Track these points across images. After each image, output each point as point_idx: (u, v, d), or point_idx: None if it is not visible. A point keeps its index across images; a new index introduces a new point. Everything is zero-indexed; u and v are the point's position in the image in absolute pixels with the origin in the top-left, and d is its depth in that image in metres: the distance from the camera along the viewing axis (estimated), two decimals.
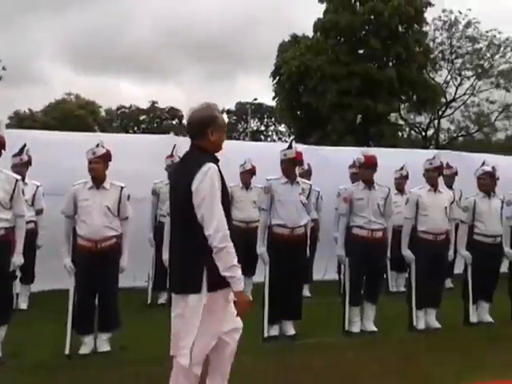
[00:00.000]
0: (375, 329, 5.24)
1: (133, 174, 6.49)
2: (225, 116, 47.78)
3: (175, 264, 2.87)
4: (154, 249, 6.37)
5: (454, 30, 29.62)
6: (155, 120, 49.13)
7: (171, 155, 6.26)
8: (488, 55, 29.91)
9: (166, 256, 4.73)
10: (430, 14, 27.24)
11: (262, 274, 5.25)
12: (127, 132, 42.14)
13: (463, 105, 31.89)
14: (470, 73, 30.66)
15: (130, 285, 6.30)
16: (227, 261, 2.66)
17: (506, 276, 5.94)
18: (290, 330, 5.06)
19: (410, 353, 4.60)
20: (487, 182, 5.72)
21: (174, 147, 6.28)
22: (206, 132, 2.81)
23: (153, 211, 6.51)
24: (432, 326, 5.40)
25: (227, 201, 2.84)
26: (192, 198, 2.66)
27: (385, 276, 7.15)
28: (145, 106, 48.66)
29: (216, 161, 2.79)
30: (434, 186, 5.45)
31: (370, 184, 5.21)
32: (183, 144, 6.28)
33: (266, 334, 4.91)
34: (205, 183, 2.66)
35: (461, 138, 34.76)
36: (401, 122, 30.46)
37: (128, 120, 48.25)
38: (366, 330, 5.24)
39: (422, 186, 5.52)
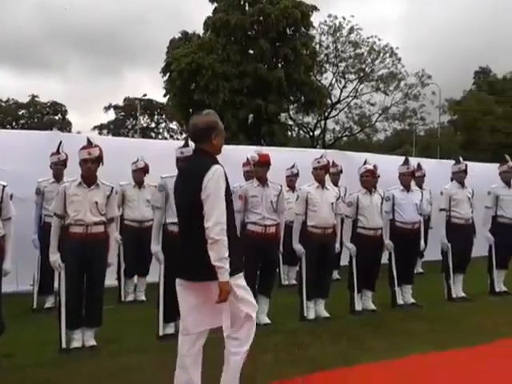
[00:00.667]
0: (269, 321, 5.40)
1: (14, 171, 6.10)
2: (112, 112, 46.23)
3: (192, 256, 3.11)
4: (38, 250, 6.00)
5: (338, 34, 31.33)
6: (36, 115, 46.25)
7: (57, 152, 5.95)
8: (369, 60, 32.01)
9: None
10: (316, 19, 28.51)
11: (156, 274, 5.18)
12: (4, 127, 39.16)
13: (347, 106, 33.86)
14: (353, 76, 32.64)
15: (14, 289, 5.90)
16: (220, 252, 2.95)
17: (386, 266, 6.43)
18: None
19: (302, 341, 4.83)
20: (369, 179, 6.11)
21: (60, 144, 5.97)
22: (210, 136, 3.16)
23: (37, 211, 6.13)
24: (321, 316, 5.69)
25: (230, 199, 3.18)
26: (201, 194, 3.02)
27: (277, 270, 7.46)
28: (24, 99, 45.80)
29: (219, 163, 3.14)
30: (321, 184, 5.72)
31: (263, 181, 5.36)
32: (69, 140, 6.06)
33: (161, 333, 4.86)
34: (212, 182, 3.02)
35: (345, 138, 36.87)
36: (290, 122, 31.63)
37: (5, 115, 44.90)
38: (260, 323, 5.37)
39: (311, 183, 5.78)
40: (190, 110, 26.70)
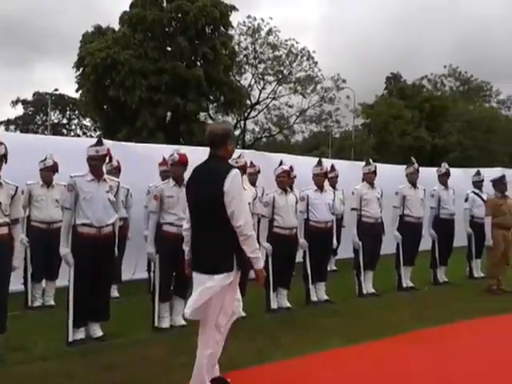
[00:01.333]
0: (184, 322, 5.34)
1: None
2: (20, 106, 43.76)
3: (205, 251, 3.46)
4: None
5: (257, 36, 31.70)
6: None
7: None
8: (287, 62, 32.65)
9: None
10: (235, 19, 28.67)
11: (66, 277, 4.96)
12: None
13: (266, 108, 34.36)
14: (271, 78, 33.15)
15: None
16: (253, 245, 3.40)
17: (300, 265, 6.58)
18: (98, 331, 4.89)
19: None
20: (285, 180, 6.24)
21: None
22: (226, 142, 3.49)
23: None
24: (239, 316, 5.69)
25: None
26: (223, 197, 3.30)
27: None
28: None
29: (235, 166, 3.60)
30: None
31: (180, 181, 5.30)
32: None
33: (70, 339, 4.67)
34: (234, 185, 3.33)
35: (264, 139, 37.39)
36: (210, 121, 31.54)
37: None
38: (176, 325, 5.32)
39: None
40: (105, 107, 25.94)
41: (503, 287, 7.51)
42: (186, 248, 3.79)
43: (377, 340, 4.95)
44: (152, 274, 5.82)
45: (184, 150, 5.90)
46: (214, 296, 3.37)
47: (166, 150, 5.93)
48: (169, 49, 25.86)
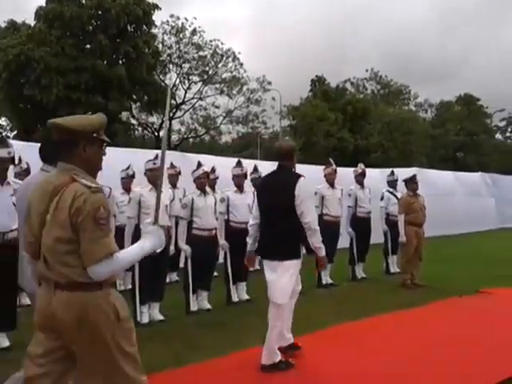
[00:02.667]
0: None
1: None
2: None
3: (278, 242, 4.16)
4: None
5: (181, 35, 31.36)
6: None
7: None
8: (212, 63, 32.55)
9: None
10: (158, 18, 28.20)
11: None
12: None
13: (192, 108, 34.09)
14: (197, 78, 32.93)
15: None
16: (318, 237, 4.21)
17: (221, 266, 6.57)
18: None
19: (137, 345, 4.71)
20: (204, 181, 6.20)
21: None
22: (292, 156, 4.36)
23: None
24: (156, 319, 5.61)
25: None
26: (294, 199, 4.06)
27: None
28: None
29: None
30: (155, 186, 5.65)
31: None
32: None
33: None
34: (302, 190, 4.13)
35: (191, 140, 37.10)
36: (133, 121, 30.88)
37: None
38: None
39: (145, 185, 5.68)
40: (21, 106, 24.64)
41: (416, 281, 7.87)
42: (250, 241, 4.56)
43: (296, 337, 5.01)
44: None
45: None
46: (286, 277, 4.12)
47: None
48: (88, 46, 25.00)
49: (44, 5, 24.17)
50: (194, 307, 6.01)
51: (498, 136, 63.37)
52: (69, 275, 2.32)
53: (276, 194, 4.21)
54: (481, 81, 74.95)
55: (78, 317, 2.31)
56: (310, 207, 4.20)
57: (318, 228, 4.19)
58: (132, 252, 2.47)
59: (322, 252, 4.28)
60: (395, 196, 8.87)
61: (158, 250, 2.70)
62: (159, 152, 7.13)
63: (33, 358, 2.40)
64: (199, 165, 6.25)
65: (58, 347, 2.40)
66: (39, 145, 3.53)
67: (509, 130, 67.79)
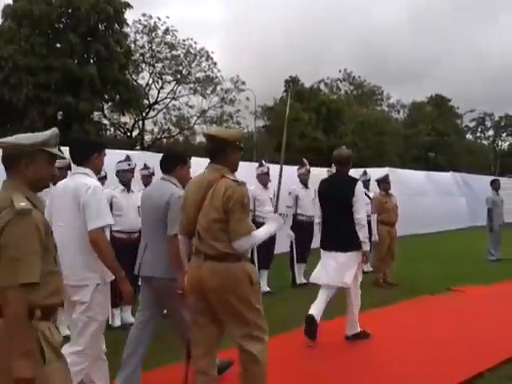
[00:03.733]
0: (69, 332, 5.06)
1: None
2: None
3: (340, 236, 4.93)
4: None
5: (153, 34, 31.08)
6: None
7: None
8: (186, 62, 32.33)
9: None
10: (130, 16, 27.90)
11: None
12: None
13: (165, 108, 33.81)
14: (170, 78, 32.67)
15: None
16: (365, 232, 4.94)
17: None
18: None
19: (107, 351, 4.60)
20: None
21: None
22: (350, 163, 5.12)
23: None
24: (128, 322, 5.51)
25: None
26: (352, 199, 4.83)
27: None
28: None
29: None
30: (127, 187, 5.56)
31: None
32: None
33: None
34: (359, 191, 4.91)
35: (165, 140, 36.80)
36: (105, 121, 30.46)
37: None
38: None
39: (115, 186, 5.58)
40: None
41: (389, 280, 7.93)
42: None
43: (273, 336, 4.97)
44: None
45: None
46: (352, 265, 4.92)
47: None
48: (58, 45, 24.55)
49: (11, 3, 23.61)
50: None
51: (469, 136, 64.79)
52: (218, 248, 3.07)
53: (339, 195, 4.97)
54: (452, 82, 76.52)
55: (222, 281, 3.05)
56: (362, 206, 4.94)
57: (366, 224, 4.97)
58: (262, 232, 3.21)
59: (367, 246, 4.95)
60: (368, 196, 8.92)
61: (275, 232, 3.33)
62: (131, 153, 7.07)
63: (194, 322, 3.26)
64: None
65: (205, 308, 3.18)
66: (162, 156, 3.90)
67: (479, 130, 69.39)
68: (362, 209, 4.89)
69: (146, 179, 7.64)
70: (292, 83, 41.68)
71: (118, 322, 5.46)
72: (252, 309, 3.14)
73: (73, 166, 3.52)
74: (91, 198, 3.20)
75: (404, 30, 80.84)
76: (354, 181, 5.03)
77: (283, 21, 72.91)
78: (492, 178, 13.49)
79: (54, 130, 2.45)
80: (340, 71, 50.87)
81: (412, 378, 4.10)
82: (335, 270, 4.92)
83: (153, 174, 7.71)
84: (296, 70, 73.62)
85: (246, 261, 3.19)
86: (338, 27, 77.41)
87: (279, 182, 3.42)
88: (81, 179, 3.28)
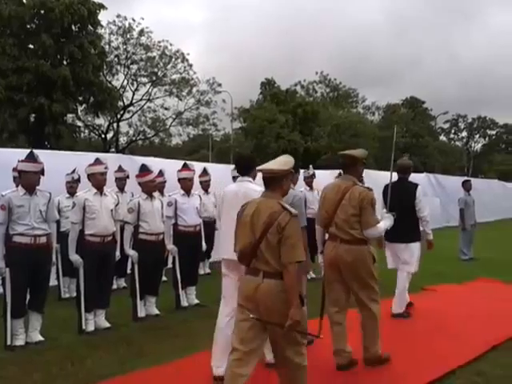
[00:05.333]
0: (42, 338, 5.01)
1: None
2: None
3: (405, 231, 5.77)
4: None
5: (128, 36, 30.74)
6: None
7: None
8: (161, 64, 32.08)
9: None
10: (104, 17, 27.57)
11: None
12: None
13: (140, 110, 33.48)
14: (145, 79, 32.37)
15: None
16: (429, 226, 5.99)
17: (170, 270, 6.47)
18: None
19: (77, 355, 4.61)
20: (151, 184, 6.08)
21: None
22: (411, 171, 6.32)
23: None
24: (102, 327, 5.46)
25: None
26: (415, 200, 5.90)
27: (57, 282, 6.94)
28: None
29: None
30: (100, 190, 5.50)
31: (31, 189, 4.94)
32: None
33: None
34: (420, 194, 5.96)
35: (140, 142, 36.45)
36: (79, 123, 30.01)
37: None
38: (32, 342, 4.95)
39: (88, 189, 5.52)
40: None
41: None
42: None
43: None
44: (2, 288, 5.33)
45: (42, 153, 5.53)
46: (415, 253, 6.02)
47: (20, 155, 5.40)
48: (31, 46, 24.12)
49: None
50: (141, 313, 5.88)
51: (442, 138, 65.88)
52: (353, 234, 4.28)
53: (404, 198, 5.77)
54: (426, 84, 77.73)
55: (355, 258, 4.25)
56: (424, 205, 5.96)
57: (429, 220, 6.01)
58: (383, 225, 4.47)
59: (431, 236, 6.03)
60: None
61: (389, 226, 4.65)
62: (100, 155, 6.97)
63: (330, 288, 4.38)
64: (142, 168, 6.10)
65: (339, 278, 4.37)
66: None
67: (452, 131, 70.61)
68: (425, 208, 5.96)
69: (121, 182, 7.58)
70: (268, 85, 41.79)
71: (91, 327, 5.39)
72: (373, 278, 4.33)
73: (237, 174, 4.41)
74: None
75: (380, 33, 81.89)
76: (416, 186, 6.04)
77: (260, 23, 73.21)
78: (465, 178, 13.74)
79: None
80: (316, 73, 51.17)
81: (383, 376, 4.15)
82: (401, 257, 6.02)
83: (127, 176, 7.65)
84: (272, 72, 73.98)
85: (371, 244, 4.40)
86: (315, 30, 78.07)
87: (391, 187, 5.27)
88: (248, 185, 4.15)
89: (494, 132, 70.45)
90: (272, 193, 3.38)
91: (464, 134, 70.81)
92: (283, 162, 3.46)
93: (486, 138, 70.51)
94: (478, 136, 71.58)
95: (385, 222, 4.55)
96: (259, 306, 3.18)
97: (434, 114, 53.71)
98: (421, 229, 6.06)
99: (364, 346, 4.36)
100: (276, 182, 3.39)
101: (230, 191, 4.23)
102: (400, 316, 5.96)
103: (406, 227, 5.73)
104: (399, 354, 4.59)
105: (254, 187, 4.03)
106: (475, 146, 70.54)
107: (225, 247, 4.02)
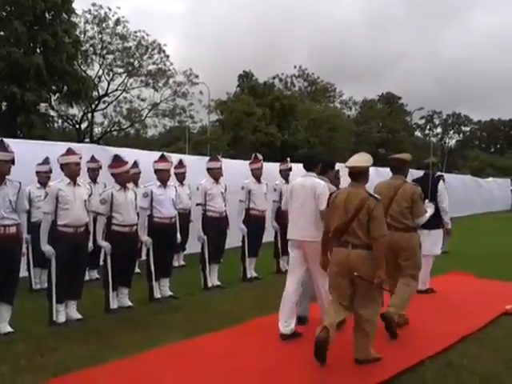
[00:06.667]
0: (11, 329, 4.93)
1: None
2: None
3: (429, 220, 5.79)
4: None
5: (104, 25, 30.27)
6: None
7: None
8: (137, 55, 31.70)
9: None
10: (79, 6, 27.09)
11: None
12: None
13: (116, 100, 33.06)
14: (121, 70, 31.96)
15: None
16: (448, 216, 6.72)
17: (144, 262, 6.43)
18: None
19: (47, 346, 4.55)
20: (126, 175, 6.01)
21: None
22: (435, 168, 7.17)
23: None
24: (73, 318, 5.40)
25: None
26: (437, 193, 6.55)
27: (28, 273, 6.83)
28: None
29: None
30: (73, 180, 5.41)
31: (1, 179, 4.84)
32: None
33: None
34: (443, 186, 6.74)
35: (115, 133, 36.01)
36: (52, 113, 29.47)
37: None
38: (1, 333, 4.87)
39: (61, 179, 5.43)
40: None
41: None
42: None
43: (217, 331, 5.00)
44: None
45: (14, 142, 5.43)
46: (439, 239, 6.93)
47: None
48: (2, 33, 23.54)
49: None
50: (113, 305, 5.81)
51: (418, 133, 66.75)
52: (406, 223, 5.23)
53: (426, 190, 6.08)
54: (402, 80, 78.51)
55: (407, 242, 5.21)
56: (445, 197, 6.61)
57: (448, 210, 6.65)
58: (428, 214, 5.47)
59: (449, 225, 6.80)
60: None
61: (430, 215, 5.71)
62: (73, 145, 6.85)
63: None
64: (115, 158, 6.02)
65: (395, 261, 5.26)
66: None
67: (427, 127, 71.59)
68: (445, 199, 6.61)
69: (94, 172, 7.47)
70: (246, 78, 41.68)
71: (62, 318, 5.32)
72: (417, 259, 5.31)
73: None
74: (323, 191, 4.77)
75: (359, 29, 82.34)
76: (438, 180, 6.73)
77: (239, 15, 72.86)
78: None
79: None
80: (295, 67, 51.24)
81: (355, 367, 4.18)
82: (425, 242, 6.16)
83: (100, 167, 7.54)
84: (250, 65, 73.70)
85: (417, 231, 5.40)
86: (294, 24, 78.07)
87: (417, 180, 6.28)
88: (313, 179, 4.91)
89: (468, 128, 71.75)
90: (358, 183, 4.29)
91: (439, 130, 71.91)
92: (366, 159, 4.36)
93: (461, 135, 71.78)
94: (452, 132, 72.76)
95: (430, 210, 5.59)
96: (351, 270, 4.12)
97: (410, 109, 54.40)
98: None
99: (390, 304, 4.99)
100: (361, 175, 4.30)
101: (297, 184, 5.01)
102: (424, 292, 6.72)
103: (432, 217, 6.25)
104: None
105: (319, 181, 4.90)
106: (449, 142, 71.71)
107: (291, 230, 4.94)
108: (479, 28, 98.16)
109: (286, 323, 4.86)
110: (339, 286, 4.23)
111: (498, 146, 72.98)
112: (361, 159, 4.32)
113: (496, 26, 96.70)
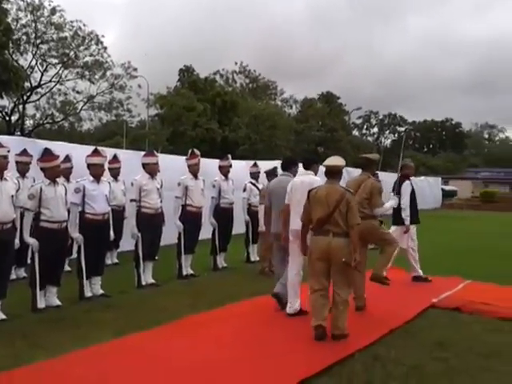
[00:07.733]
0: None
1: None
2: None
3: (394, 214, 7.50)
4: None
5: (39, 13, 29.05)
6: None
7: None
8: (73, 45, 30.63)
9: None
10: None
11: None
12: None
13: (49, 92, 31.83)
14: (55, 60, 30.77)
15: None
16: (406, 213, 7.48)
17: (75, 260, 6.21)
18: None
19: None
20: (57, 170, 5.79)
21: None
22: (407, 170, 7.84)
23: None
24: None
25: None
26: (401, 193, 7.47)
27: None
28: None
29: None
30: (0, 174, 5.15)
31: None
32: None
33: None
34: (404, 187, 7.50)
35: (48, 126, 34.67)
36: None
37: None
38: None
39: None
40: None
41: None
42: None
43: (148, 330, 4.91)
44: None
45: None
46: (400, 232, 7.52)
47: None
48: None
49: None
50: (41, 304, 5.59)
51: (355, 132, 68.62)
52: (366, 212, 5.83)
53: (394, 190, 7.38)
54: (343, 80, 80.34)
55: (366, 227, 5.66)
56: (405, 197, 7.42)
57: (406, 208, 7.43)
58: (387, 205, 6.35)
59: (407, 222, 7.52)
60: (257, 187, 9.08)
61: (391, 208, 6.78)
62: (0, 137, 6.53)
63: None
64: (45, 152, 5.78)
65: (362, 245, 5.74)
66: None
67: (364, 127, 73.71)
68: (405, 196, 7.41)
69: (23, 166, 7.14)
70: (187, 72, 41.27)
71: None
72: (382, 235, 6.00)
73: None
74: None
75: (302, 28, 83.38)
76: (403, 181, 7.50)
77: (181, 9, 71.96)
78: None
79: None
80: (236, 64, 51.25)
81: (283, 358, 4.22)
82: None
83: (30, 162, 7.21)
84: (191, 59, 72.99)
85: (376, 219, 5.98)
86: (237, 20, 78.10)
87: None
88: (311, 177, 5.58)
89: (403, 129, 74.48)
90: (334, 180, 4.98)
91: (375, 129, 74.23)
92: (342, 160, 5.05)
93: (396, 134, 74.42)
94: (388, 132, 75.32)
95: (389, 204, 6.40)
96: (331, 255, 4.74)
97: (348, 109, 55.78)
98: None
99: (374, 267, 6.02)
100: (338, 174, 5.00)
101: (297, 181, 5.66)
102: (416, 279, 7.75)
103: (395, 212, 7.52)
104: (300, 340, 4.71)
105: (316, 178, 5.56)
106: (385, 142, 74.18)
107: (293, 221, 5.48)
108: (418, 31, 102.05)
109: (290, 304, 5.57)
110: (319, 270, 4.85)
111: (431, 146, 76.26)
112: (337, 160, 5.02)
113: (432, 30, 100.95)
